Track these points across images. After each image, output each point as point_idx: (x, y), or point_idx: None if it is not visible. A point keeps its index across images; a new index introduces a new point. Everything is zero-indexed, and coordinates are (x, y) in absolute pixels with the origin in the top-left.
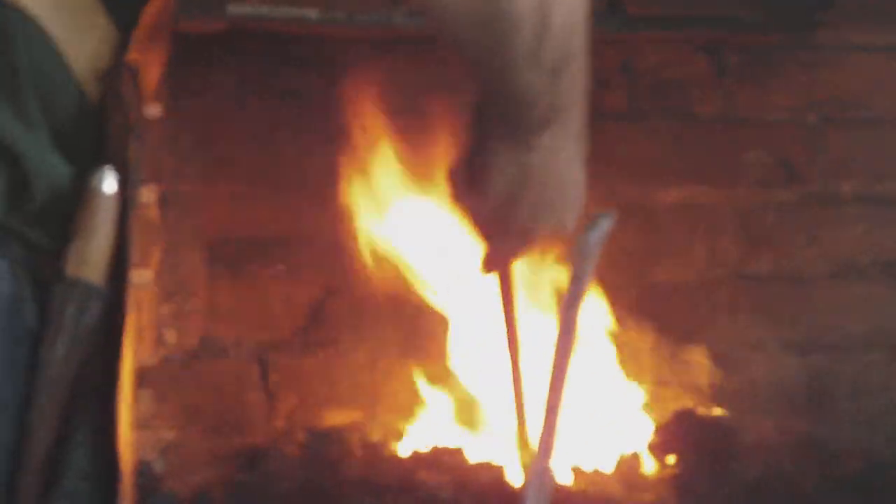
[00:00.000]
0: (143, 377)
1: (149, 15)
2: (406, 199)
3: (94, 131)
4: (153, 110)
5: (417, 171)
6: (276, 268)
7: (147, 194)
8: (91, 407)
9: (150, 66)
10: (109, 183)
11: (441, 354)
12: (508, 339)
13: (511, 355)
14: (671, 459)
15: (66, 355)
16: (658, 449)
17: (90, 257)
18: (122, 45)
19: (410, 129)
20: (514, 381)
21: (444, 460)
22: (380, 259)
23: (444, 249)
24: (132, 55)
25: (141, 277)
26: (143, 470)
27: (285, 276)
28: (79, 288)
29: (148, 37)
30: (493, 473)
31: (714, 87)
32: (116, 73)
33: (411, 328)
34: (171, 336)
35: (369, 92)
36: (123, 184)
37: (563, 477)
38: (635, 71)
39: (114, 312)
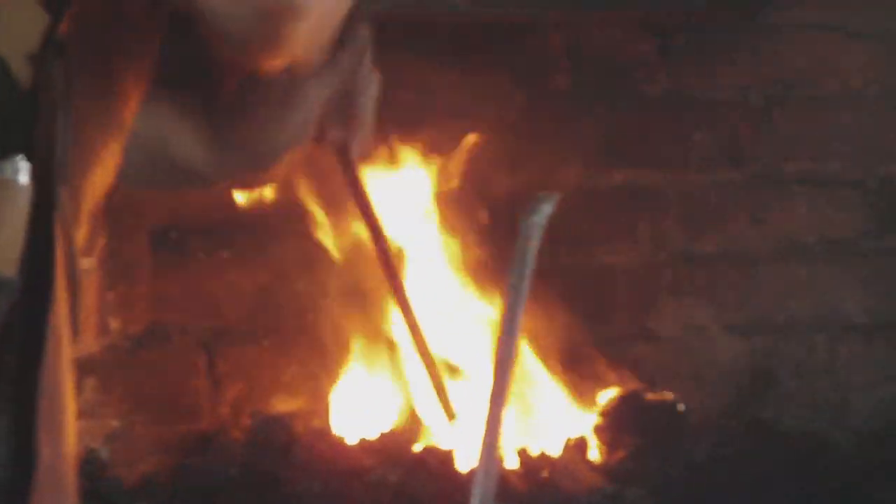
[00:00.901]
0: (87, 365)
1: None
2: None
3: (24, 116)
4: None
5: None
6: (220, 254)
7: None
8: (10, 397)
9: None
10: (22, 172)
11: (387, 340)
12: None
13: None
14: (617, 442)
15: None
16: (604, 432)
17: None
18: (52, 26)
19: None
20: (410, 325)
21: (390, 446)
22: (326, 244)
23: (392, 231)
24: (63, 35)
25: (84, 264)
26: (89, 458)
27: (230, 264)
28: None
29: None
30: (439, 458)
31: (659, 67)
32: (47, 54)
33: (359, 314)
34: (115, 323)
35: None
36: (47, 172)
37: (510, 461)
38: (581, 52)
39: (32, 305)
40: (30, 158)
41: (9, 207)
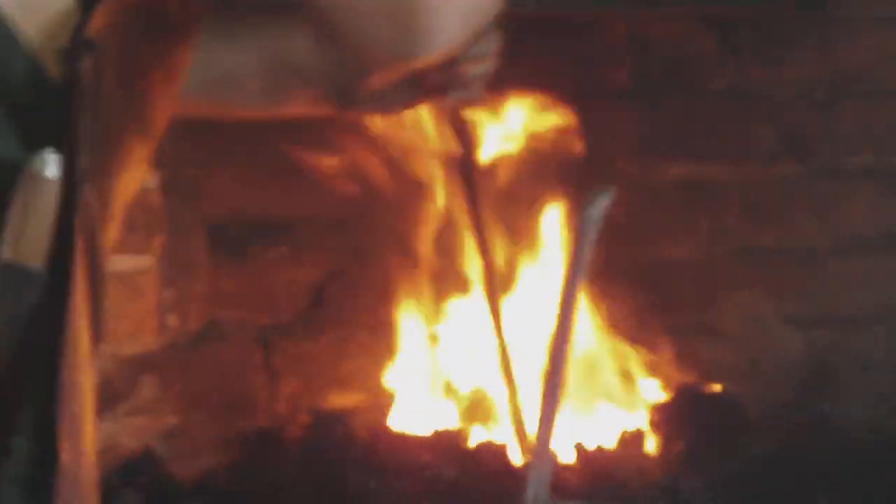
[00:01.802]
0: (145, 362)
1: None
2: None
3: (55, 110)
4: None
5: (423, 153)
6: (278, 251)
7: (148, 179)
8: (33, 394)
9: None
10: (51, 166)
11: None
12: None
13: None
14: (674, 436)
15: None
16: (661, 426)
17: (27, 241)
18: (83, 22)
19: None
20: (497, 329)
21: (447, 441)
22: (384, 240)
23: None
24: (94, 32)
25: (142, 262)
26: (146, 455)
27: (288, 259)
28: (14, 271)
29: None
30: (495, 453)
31: (723, 63)
32: (77, 49)
33: (417, 309)
34: (173, 321)
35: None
36: (73, 169)
37: (566, 455)
38: (643, 47)
39: (56, 301)
40: (60, 152)
41: (38, 200)
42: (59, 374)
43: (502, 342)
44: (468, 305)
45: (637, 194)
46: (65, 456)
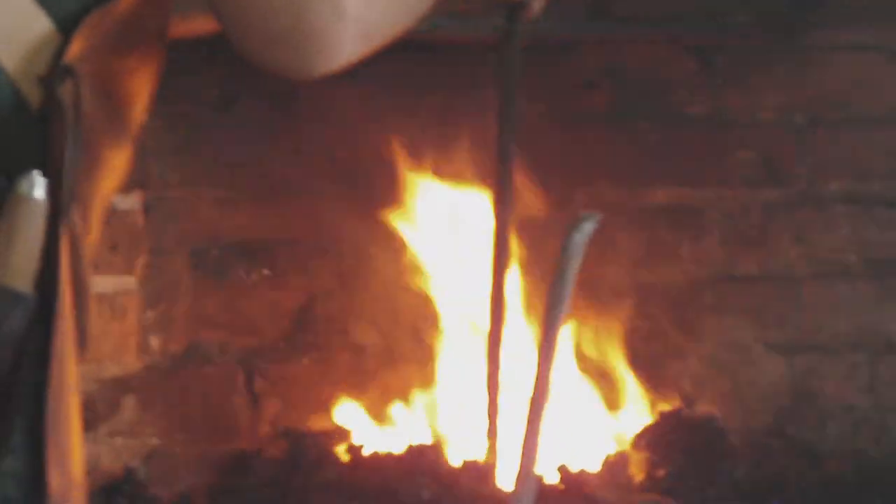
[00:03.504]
0: (127, 384)
1: (113, 18)
2: (397, 202)
3: (35, 136)
4: None
5: (408, 173)
6: (260, 273)
7: (131, 201)
8: (21, 415)
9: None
10: (38, 188)
11: (425, 356)
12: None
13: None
14: (658, 461)
15: None
16: (645, 450)
17: (15, 263)
18: (62, 48)
19: (401, 130)
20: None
21: (425, 463)
22: (365, 263)
23: (435, 253)
24: (72, 57)
25: (125, 284)
26: (127, 476)
27: (270, 283)
28: (2, 294)
29: (116, 39)
30: (475, 476)
31: (701, 87)
32: (56, 76)
33: (396, 331)
34: (155, 342)
35: (356, 95)
36: (58, 191)
37: (550, 477)
38: (621, 72)
39: (46, 321)
40: (45, 175)
41: (25, 223)
42: (46, 400)
43: (495, 358)
44: (458, 326)
45: (619, 219)
46: (54, 481)
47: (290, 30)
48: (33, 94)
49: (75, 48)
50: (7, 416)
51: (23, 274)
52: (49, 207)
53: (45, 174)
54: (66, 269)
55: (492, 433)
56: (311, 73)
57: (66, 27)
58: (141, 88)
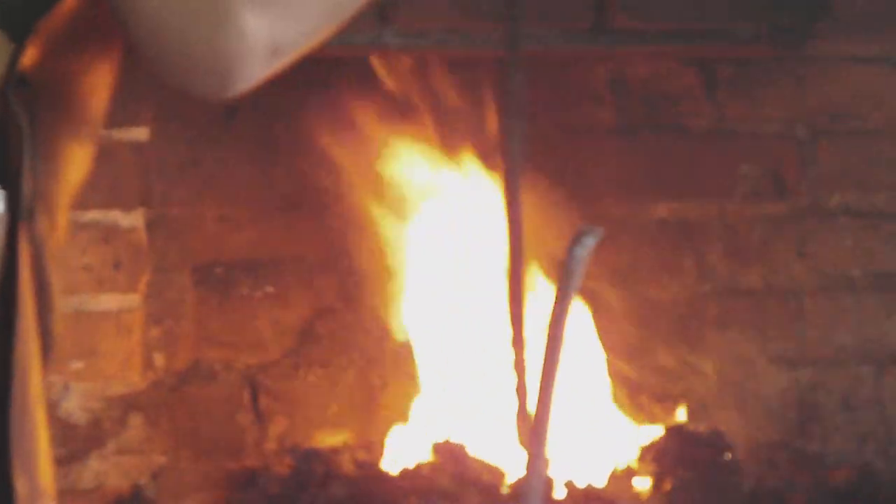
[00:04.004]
0: (133, 402)
1: (63, 19)
2: (398, 218)
3: None
4: (139, 133)
5: (410, 187)
6: (264, 290)
7: (134, 218)
8: None
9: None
10: None
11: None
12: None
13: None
14: (663, 475)
15: None
16: (650, 465)
17: None
18: (15, 56)
19: (403, 145)
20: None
21: (433, 475)
22: (369, 279)
23: (435, 270)
24: (26, 65)
25: (129, 301)
26: (134, 494)
27: (274, 299)
28: None
29: (69, 39)
30: (483, 488)
31: (705, 100)
32: (9, 86)
33: (401, 347)
34: (160, 360)
35: (360, 112)
36: (15, 202)
37: (557, 492)
38: (624, 85)
39: (8, 328)
40: (4, 188)
41: None
42: (9, 408)
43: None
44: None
45: (622, 233)
46: (22, 490)
47: (199, 56)
48: None
49: (29, 55)
50: None
51: None
52: (8, 219)
53: (3, 184)
54: (25, 273)
55: (522, 417)
56: (223, 95)
57: (18, 35)
58: (99, 83)
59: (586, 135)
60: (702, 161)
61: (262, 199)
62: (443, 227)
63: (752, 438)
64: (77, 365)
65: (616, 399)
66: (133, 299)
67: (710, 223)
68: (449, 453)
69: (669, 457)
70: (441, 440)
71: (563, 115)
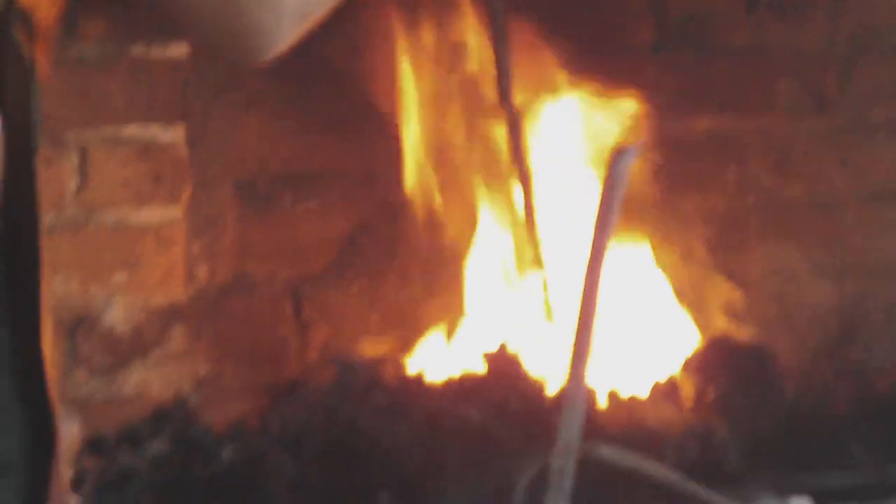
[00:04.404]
0: (175, 312)
1: None
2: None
3: None
4: (178, 50)
5: (449, 110)
6: (306, 205)
7: (174, 133)
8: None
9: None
10: None
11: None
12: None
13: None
14: (706, 385)
15: None
16: (694, 375)
17: None
18: None
19: (439, 69)
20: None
21: (475, 386)
22: (411, 193)
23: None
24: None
25: (170, 214)
26: (178, 403)
27: (316, 213)
28: None
29: None
30: (525, 399)
31: (744, 18)
32: (6, 17)
33: (442, 261)
34: (202, 272)
35: (402, 30)
36: (24, 129)
37: (599, 403)
38: (664, 4)
39: (17, 251)
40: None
41: None
42: (39, 342)
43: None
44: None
45: (664, 148)
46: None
47: (238, 28)
48: None
49: None
50: None
51: None
52: (7, 141)
53: (4, 111)
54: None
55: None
56: (261, 60)
57: None
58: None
59: (626, 52)
60: (741, 78)
61: (304, 115)
62: (484, 141)
63: (794, 348)
64: (119, 277)
65: (659, 310)
66: (174, 212)
67: (751, 137)
68: (497, 362)
69: (712, 367)
70: (492, 350)
71: (603, 34)
